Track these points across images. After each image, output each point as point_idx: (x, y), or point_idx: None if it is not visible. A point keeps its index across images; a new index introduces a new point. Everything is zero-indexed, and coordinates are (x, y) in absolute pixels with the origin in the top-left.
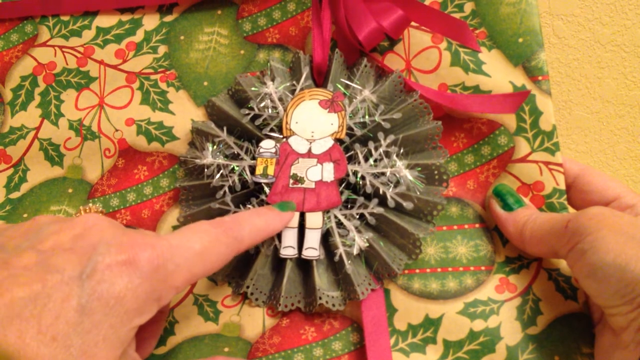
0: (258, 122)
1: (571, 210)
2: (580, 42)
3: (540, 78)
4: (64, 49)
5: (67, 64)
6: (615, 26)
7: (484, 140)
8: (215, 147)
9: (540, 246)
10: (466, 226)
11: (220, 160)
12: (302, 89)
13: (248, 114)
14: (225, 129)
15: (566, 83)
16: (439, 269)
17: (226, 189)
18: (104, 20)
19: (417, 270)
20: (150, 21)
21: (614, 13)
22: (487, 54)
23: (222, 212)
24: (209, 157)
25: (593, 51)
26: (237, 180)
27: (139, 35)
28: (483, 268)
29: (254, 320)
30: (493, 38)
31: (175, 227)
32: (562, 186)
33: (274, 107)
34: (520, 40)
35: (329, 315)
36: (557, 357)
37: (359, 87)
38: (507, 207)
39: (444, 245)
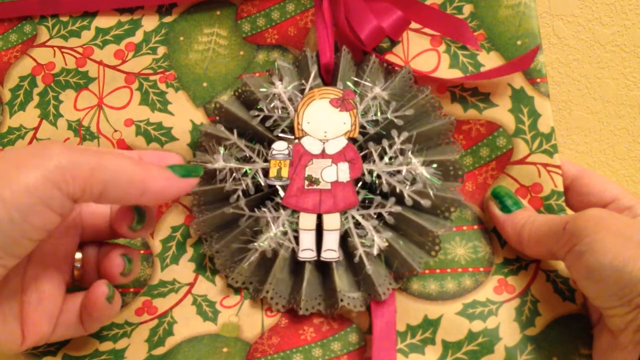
0: (268, 123)
1: (569, 212)
2: (580, 42)
3: (538, 80)
4: (63, 50)
5: (66, 65)
6: (615, 26)
7: (482, 142)
8: (226, 150)
9: (538, 248)
10: (465, 228)
11: (233, 164)
12: (311, 88)
13: (257, 116)
14: (235, 131)
15: (566, 83)
16: (437, 270)
17: (239, 192)
18: (103, 21)
19: None
20: (150, 22)
21: (614, 13)
22: (485, 56)
23: (236, 217)
24: (221, 161)
25: (593, 51)
26: (250, 184)
27: (138, 36)
28: (481, 269)
29: (253, 321)
30: (492, 40)
31: (174, 228)
32: (560, 188)
33: (284, 108)
34: (519, 42)
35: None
36: (556, 358)
37: (370, 85)
38: (505, 209)
39: (443, 246)
